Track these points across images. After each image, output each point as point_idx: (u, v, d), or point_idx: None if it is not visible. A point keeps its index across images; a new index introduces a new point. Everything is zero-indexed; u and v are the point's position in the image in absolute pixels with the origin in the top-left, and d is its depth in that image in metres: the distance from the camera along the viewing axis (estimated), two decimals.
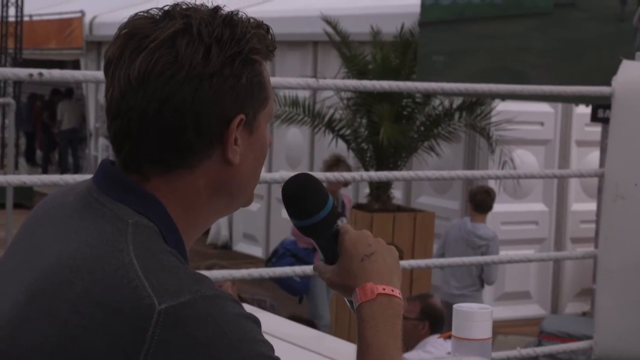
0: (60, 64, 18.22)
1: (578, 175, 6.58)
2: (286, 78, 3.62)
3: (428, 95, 9.16)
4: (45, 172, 19.66)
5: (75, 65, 17.29)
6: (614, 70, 4.72)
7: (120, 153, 1.50)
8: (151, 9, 1.49)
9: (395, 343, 1.55)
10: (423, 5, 8.84)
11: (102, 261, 1.39)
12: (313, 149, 12.17)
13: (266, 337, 1.41)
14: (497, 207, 10.31)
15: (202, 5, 1.51)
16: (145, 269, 1.37)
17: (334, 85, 4.26)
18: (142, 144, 1.46)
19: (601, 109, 7.63)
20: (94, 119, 17.42)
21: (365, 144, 9.46)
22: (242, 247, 13.28)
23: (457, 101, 9.41)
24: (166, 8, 1.49)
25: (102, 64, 1.52)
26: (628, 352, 4.55)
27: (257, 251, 13.05)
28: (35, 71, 3.39)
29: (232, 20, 1.49)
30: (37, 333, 1.39)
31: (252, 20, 1.51)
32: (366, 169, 9.34)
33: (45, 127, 21.19)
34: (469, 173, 5.42)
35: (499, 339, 8.09)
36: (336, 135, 9.64)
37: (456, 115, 9.46)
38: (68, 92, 20.57)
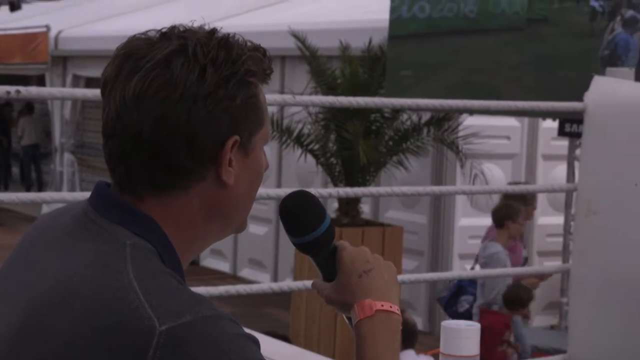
0: (25, 79, 18.10)
1: (550, 190, 6.62)
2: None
3: (397, 110, 9.17)
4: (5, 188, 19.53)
5: (40, 80, 17.16)
6: (585, 86, 4.75)
7: (115, 173, 1.50)
8: (149, 30, 1.50)
9: (394, 359, 1.56)
10: (392, 19, 8.77)
11: (101, 282, 1.39)
12: (281, 164, 12.17)
13: None
14: (464, 221, 10.37)
15: (199, 27, 1.51)
16: (145, 290, 1.37)
17: (310, 101, 4.27)
18: (136, 164, 1.46)
19: (568, 124, 7.66)
20: (60, 135, 17.29)
21: (334, 159, 9.45)
22: (209, 262, 13.24)
23: (426, 116, 9.43)
24: (164, 30, 1.50)
25: (69, 80, 1.52)
26: None
27: (225, 266, 13.02)
28: (12, 88, 3.38)
29: (228, 42, 1.49)
30: (35, 355, 1.38)
31: (248, 43, 1.52)
32: (335, 184, 9.34)
33: None
34: (443, 189, 5.45)
35: None
36: (305, 150, 9.63)
37: (424, 130, 9.48)
38: (28, 108, 20.33)
